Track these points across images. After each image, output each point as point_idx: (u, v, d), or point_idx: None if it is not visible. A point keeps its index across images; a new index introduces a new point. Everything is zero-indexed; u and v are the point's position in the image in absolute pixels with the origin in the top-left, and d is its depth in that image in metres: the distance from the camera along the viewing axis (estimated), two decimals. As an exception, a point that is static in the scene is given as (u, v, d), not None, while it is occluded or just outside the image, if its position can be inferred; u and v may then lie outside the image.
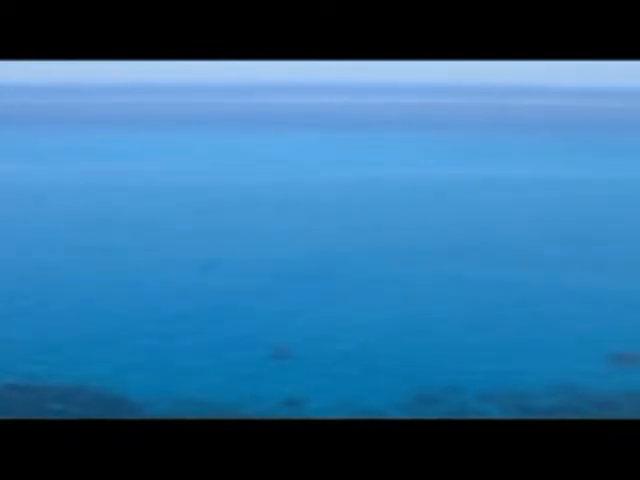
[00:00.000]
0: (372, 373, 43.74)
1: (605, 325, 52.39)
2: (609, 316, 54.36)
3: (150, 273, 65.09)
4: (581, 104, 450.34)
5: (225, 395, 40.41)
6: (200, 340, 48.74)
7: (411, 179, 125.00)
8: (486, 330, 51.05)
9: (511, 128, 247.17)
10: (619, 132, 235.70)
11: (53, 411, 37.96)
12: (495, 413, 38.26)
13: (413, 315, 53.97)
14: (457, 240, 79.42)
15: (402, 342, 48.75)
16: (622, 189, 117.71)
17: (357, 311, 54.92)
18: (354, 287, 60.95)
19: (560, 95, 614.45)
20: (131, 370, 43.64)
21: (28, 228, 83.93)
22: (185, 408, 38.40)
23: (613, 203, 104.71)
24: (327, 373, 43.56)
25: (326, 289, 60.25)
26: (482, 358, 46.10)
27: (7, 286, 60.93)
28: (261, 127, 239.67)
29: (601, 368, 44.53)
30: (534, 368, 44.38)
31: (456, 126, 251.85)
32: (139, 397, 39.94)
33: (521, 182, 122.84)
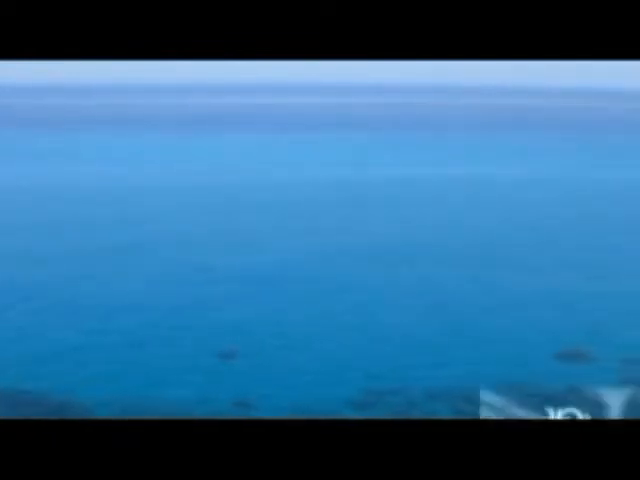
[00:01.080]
0: (325, 371, 43.82)
1: (550, 323, 52.59)
2: (554, 314, 54.58)
3: (147, 273, 65.15)
4: (581, 104, 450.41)
5: (176, 397, 40.01)
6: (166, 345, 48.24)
7: (410, 179, 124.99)
8: (456, 332, 51.09)
9: (511, 128, 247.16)
10: (620, 132, 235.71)
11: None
12: (443, 412, 38.43)
13: (373, 319, 53.74)
14: (456, 240, 79.48)
15: (360, 341, 48.80)
16: (622, 189, 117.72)
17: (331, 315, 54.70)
18: (325, 290, 60.45)
19: (560, 95, 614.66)
20: (88, 377, 42.68)
21: (27, 229, 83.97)
22: (136, 411, 37.94)
23: (612, 203, 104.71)
24: (281, 373, 43.44)
25: (300, 293, 59.58)
26: (431, 357, 46.23)
27: (6, 286, 61.04)
28: (261, 127, 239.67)
29: (546, 365, 44.72)
30: (480, 367, 44.29)
31: (456, 126, 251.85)
32: (91, 401, 39.23)
33: (521, 182, 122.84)
